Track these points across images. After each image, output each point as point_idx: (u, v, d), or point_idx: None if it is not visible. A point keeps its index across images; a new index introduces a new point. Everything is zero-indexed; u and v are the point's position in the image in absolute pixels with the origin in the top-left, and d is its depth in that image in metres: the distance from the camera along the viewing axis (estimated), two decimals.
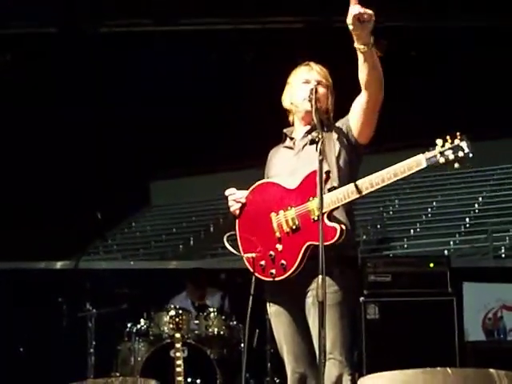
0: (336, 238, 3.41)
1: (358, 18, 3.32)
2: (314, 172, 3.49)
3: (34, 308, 8.40)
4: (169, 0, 9.71)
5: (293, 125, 3.95)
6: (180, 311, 6.24)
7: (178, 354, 5.76)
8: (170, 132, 15.13)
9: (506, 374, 2.78)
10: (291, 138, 3.91)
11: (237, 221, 3.85)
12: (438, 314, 6.49)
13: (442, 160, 3.24)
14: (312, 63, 3.89)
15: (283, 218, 3.64)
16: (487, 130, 15.09)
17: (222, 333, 6.67)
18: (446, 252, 12.68)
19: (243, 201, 3.82)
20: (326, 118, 3.78)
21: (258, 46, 10.30)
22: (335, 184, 3.53)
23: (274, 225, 3.67)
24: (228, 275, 7.67)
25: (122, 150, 15.20)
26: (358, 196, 3.45)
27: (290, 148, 3.88)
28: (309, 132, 3.78)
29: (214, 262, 12.75)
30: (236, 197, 3.84)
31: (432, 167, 3.28)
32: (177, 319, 5.97)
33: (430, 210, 15.70)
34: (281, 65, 4.11)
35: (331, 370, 3.49)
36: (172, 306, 6.61)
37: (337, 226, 3.43)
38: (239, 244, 3.80)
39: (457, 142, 3.22)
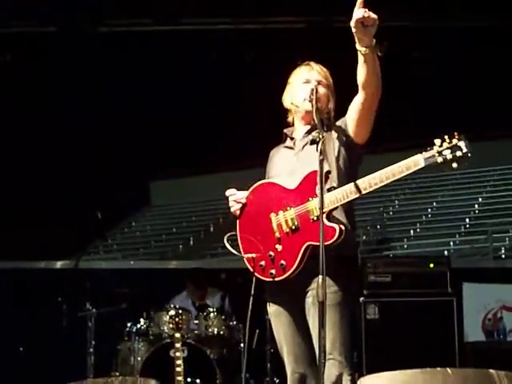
0: (335, 238, 3.41)
1: (362, 22, 3.33)
2: (313, 172, 3.50)
3: (33, 308, 8.40)
4: (169, 0, 9.70)
5: (293, 125, 3.95)
6: (180, 311, 6.25)
7: (177, 354, 5.76)
8: (171, 132, 15.13)
9: (506, 374, 2.78)
10: (291, 138, 3.91)
11: (237, 221, 3.86)
12: (438, 315, 6.49)
13: (440, 160, 3.24)
14: (312, 63, 3.89)
15: (283, 219, 3.64)
16: (487, 130, 15.12)
17: (221, 333, 6.67)
18: (445, 252, 12.69)
19: (244, 201, 3.82)
20: (327, 117, 3.78)
21: (259, 46, 10.30)
22: (334, 184, 3.53)
23: (274, 225, 3.67)
24: (228, 275, 7.68)
25: (122, 150, 15.20)
26: (356, 196, 3.45)
27: (290, 148, 3.88)
28: (309, 132, 3.78)
29: (213, 262, 12.75)
30: (236, 197, 3.84)
31: (430, 167, 3.28)
32: (177, 319, 5.97)
33: (430, 210, 15.71)
34: (281, 65, 4.10)
35: (331, 370, 3.49)
36: (172, 306, 6.61)
37: (336, 226, 3.43)
38: (240, 244, 3.80)
39: (455, 141, 3.22)
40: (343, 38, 3.49)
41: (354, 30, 3.35)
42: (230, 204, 3.86)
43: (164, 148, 15.68)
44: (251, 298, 3.72)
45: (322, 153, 3.32)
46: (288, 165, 3.80)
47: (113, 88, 12.86)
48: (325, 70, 3.88)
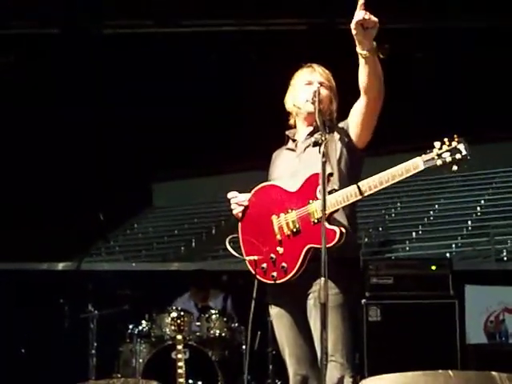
0: (336, 241, 3.41)
1: (362, 24, 3.32)
2: (315, 175, 3.50)
3: (35, 309, 8.42)
4: (170, 1, 9.71)
5: (295, 127, 3.95)
6: (182, 313, 6.25)
7: (179, 356, 5.77)
8: (173, 133, 15.12)
9: (508, 376, 2.77)
10: (293, 140, 3.91)
11: (239, 223, 3.86)
12: (440, 317, 6.49)
13: (439, 162, 3.24)
14: (315, 65, 3.89)
15: (284, 221, 3.65)
16: (489, 131, 15.11)
17: (223, 335, 6.66)
18: (448, 255, 12.68)
19: (245, 204, 3.82)
20: (329, 119, 3.78)
21: (260, 48, 10.30)
22: (335, 187, 3.53)
23: (275, 228, 3.68)
24: (230, 277, 7.68)
25: (125, 151, 15.20)
26: (356, 199, 3.45)
27: (292, 150, 3.88)
28: (311, 134, 3.78)
29: (215, 264, 12.76)
30: (238, 200, 3.84)
31: (430, 169, 3.28)
32: (178, 321, 5.98)
33: (432, 212, 15.70)
34: (283, 66, 4.11)
35: (332, 372, 3.49)
36: (174, 308, 6.61)
37: (336, 228, 3.43)
38: (242, 247, 3.81)
39: (454, 144, 3.22)
40: (345, 39, 3.48)
41: (354, 32, 3.35)
42: (232, 207, 3.86)
43: (166, 149, 15.68)
44: (253, 302, 3.73)
45: (325, 155, 3.32)
46: (290, 167, 3.80)
47: (113, 88, 12.86)
48: (327, 71, 3.88)
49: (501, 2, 9.14)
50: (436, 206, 15.88)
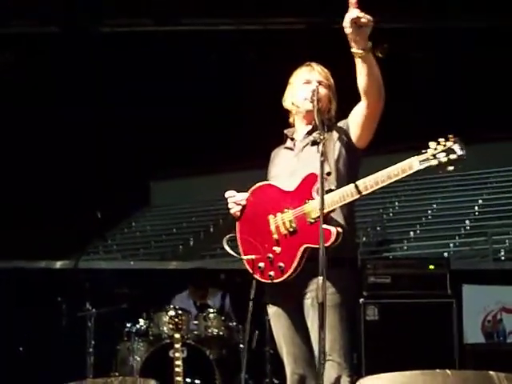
0: (332, 241, 3.41)
1: (355, 22, 3.32)
2: (311, 174, 3.51)
3: (33, 307, 8.41)
4: (169, 0, 9.70)
5: (293, 126, 3.95)
6: (179, 311, 6.24)
7: (177, 355, 5.76)
8: (171, 132, 15.13)
9: (506, 376, 2.78)
10: (292, 139, 3.91)
11: (237, 223, 3.86)
12: (438, 316, 6.50)
13: (434, 163, 3.24)
14: (313, 64, 3.89)
15: (280, 221, 3.65)
16: (488, 132, 15.12)
17: (221, 333, 6.66)
18: (445, 254, 12.69)
19: (243, 203, 3.82)
20: (328, 118, 3.78)
21: (259, 47, 10.30)
22: (333, 187, 3.53)
23: (272, 227, 3.68)
24: (228, 275, 7.68)
25: (123, 150, 15.20)
26: (352, 199, 3.45)
27: (291, 149, 3.88)
28: (309, 133, 3.78)
29: (213, 263, 12.75)
30: (236, 199, 3.84)
31: (425, 169, 3.28)
32: (176, 319, 5.97)
33: (429, 212, 15.72)
34: (282, 65, 4.10)
35: (330, 371, 3.49)
36: (171, 307, 6.61)
37: (333, 228, 3.43)
38: (239, 246, 3.81)
39: (449, 144, 3.22)
40: (344, 38, 3.47)
41: (347, 30, 3.33)
42: (230, 206, 3.86)
43: (164, 148, 15.69)
44: (251, 303, 3.73)
45: (323, 154, 3.32)
46: (288, 166, 3.80)
47: (113, 88, 12.86)
48: (326, 70, 3.88)
49: (501, 2, 9.14)
50: (434, 205, 15.89)
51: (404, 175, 3.33)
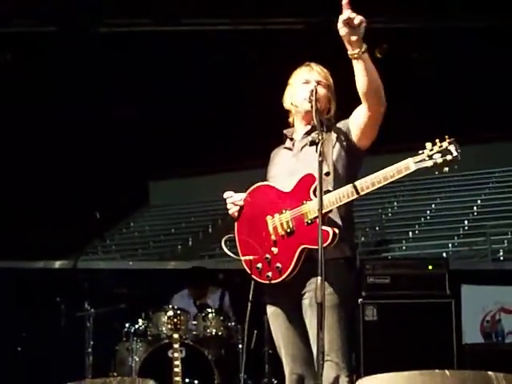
0: (329, 242, 3.40)
1: (348, 23, 3.32)
2: (308, 175, 3.52)
3: (32, 307, 8.41)
4: (169, 0, 9.70)
5: (293, 126, 3.95)
6: (178, 311, 6.25)
7: (175, 355, 5.77)
8: (170, 132, 15.12)
9: (505, 376, 2.78)
10: (291, 139, 3.91)
11: (235, 223, 3.86)
12: (437, 316, 6.50)
13: (430, 163, 3.24)
14: (313, 64, 3.89)
15: (278, 222, 3.65)
16: (487, 132, 15.12)
17: (220, 333, 6.67)
18: (444, 254, 12.68)
19: (241, 203, 3.82)
20: (327, 118, 3.78)
21: (259, 47, 10.30)
22: (330, 187, 3.53)
23: (270, 228, 3.68)
24: (226, 275, 7.69)
25: (121, 150, 15.19)
26: (349, 199, 3.45)
27: (289, 149, 3.89)
28: (308, 133, 3.77)
29: (212, 263, 12.75)
30: (234, 199, 3.85)
31: (421, 170, 3.29)
32: (175, 319, 5.98)
33: (428, 212, 15.70)
34: (281, 65, 4.10)
35: (328, 371, 3.49)
36: (170, 307, 6.62)
37: (329, 229, 3.42)
38: (238, 246, 3.81)
39: (445, 145, 3.22)
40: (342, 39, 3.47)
41: (341, 33, 3.35)
42: (228, 206, 3.86)
43: (163, 148, 15.67)
44: (249, 304, 3.74)
45: (322, 154, 3.32)
46: (287, 166, 3.80)
47: (112, 88, 12.85)
48: (325, 70, 3.88)
49: (501, 2, 9.14)
50: (433, 205, 15.88)
51: (400, 176, 3.33)
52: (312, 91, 3.60)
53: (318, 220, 3.32)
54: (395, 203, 16.55)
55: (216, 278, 7.76)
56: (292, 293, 3.64)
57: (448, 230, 14.53)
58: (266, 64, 10.00)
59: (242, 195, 3.84)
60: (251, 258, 3.70)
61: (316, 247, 3.24)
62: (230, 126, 14.53)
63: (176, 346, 5.82)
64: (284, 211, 3.63)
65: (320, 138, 3.35)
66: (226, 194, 3.88)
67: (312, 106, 3.55)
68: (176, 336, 5.91)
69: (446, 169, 3.23)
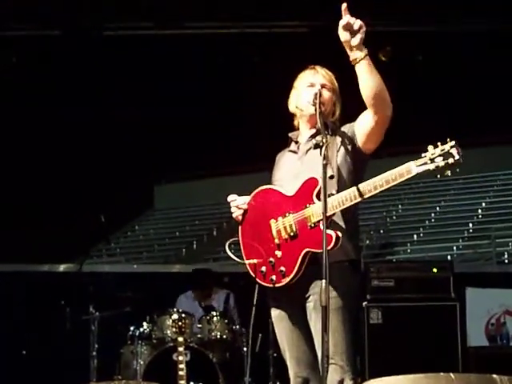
0: (332, 245, 3.40)
1: (348, 29, 3.34)
2: (311, 179, 3.52)
3: (37, 310, 8.41)
4: (171, 3, 9.70)
5: (298, 129, 3.95)
6: (183, 315, 6.26)
7: (180, 358, 5.77)
8: (175, 135, 15.14)
9: (510, 379, 2.78)
10: (296, 142, 3.91)
11: (239, 226, 3.86)
12: (441, 319, 6.49)
13: (432, 167, 3.24)
14: (318, 67, 3.89)
15: (281, 225, 3.65)
16: (491, 135, 15.11)
17: (224, 337, 6.67)
18: (449, 257, 12.67)
19: (245, 207, 3.82)
20: (332, 121, 3.79)
21: (262, 50, 10.29)
22: (333, 191, 3.52)
23: (274, 231, 3.68)
24: (231, 278, 7.69)
25: (126, 153, 15.21)
26: (352, 203, 3.45)
27: (294, 152, 3.89)
28: (313, 136, 3.77)
29: (216, 266, 12.75)
30: (237, 203, 3.85)
31: (423, 174, 3.28)
32: (180, 323, 5.98)
33: (433, 215, 15.70)
34: (285, 69, 4.11)
35: (333, 375, 3.49)
36: (175, 310, 6.62)
37: (332, 232, 3.42)
38: (242, 250, 3.81)
39: (447, 148, 3.22)
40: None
41: (342, 38, 3.37)
42: (232, 210, 3.86)
43: (168, 151, 15.69)
44: (253, 308, 3.74)
45: (326, 158, 3.32)
46: (292, 169, 3.80)
47: (117, 90, 12.86)
48: (330, 73, 3.88)
49: (502, 6, 9.14)
50: (437, 208, 15.88)
51: (402, 179, 3.32)
52: (316, 94, 3.60)
53: (321, 223, 3.33)
54: (400, 206, 16.56)
55: (219, 282, 7.76)
56: (296, 296, 3.64)
57: (453, 232, 14.52)
58: (269, 67, 10.01)
59: (246, 199, 3.84)
60: (255, 261, 3.70)
61: (319, 251, 3.25)
62: (235, 129, 14.54)
63: (181, 349, 5.82)
64: (287, 214, 3.63)
65: (324, 141, 3.35)
66: (230, 198, 3.88)
67: (316, 109, 3.55)
68: (181, 339, 5.91)
69: (448, 172, 3.23)
